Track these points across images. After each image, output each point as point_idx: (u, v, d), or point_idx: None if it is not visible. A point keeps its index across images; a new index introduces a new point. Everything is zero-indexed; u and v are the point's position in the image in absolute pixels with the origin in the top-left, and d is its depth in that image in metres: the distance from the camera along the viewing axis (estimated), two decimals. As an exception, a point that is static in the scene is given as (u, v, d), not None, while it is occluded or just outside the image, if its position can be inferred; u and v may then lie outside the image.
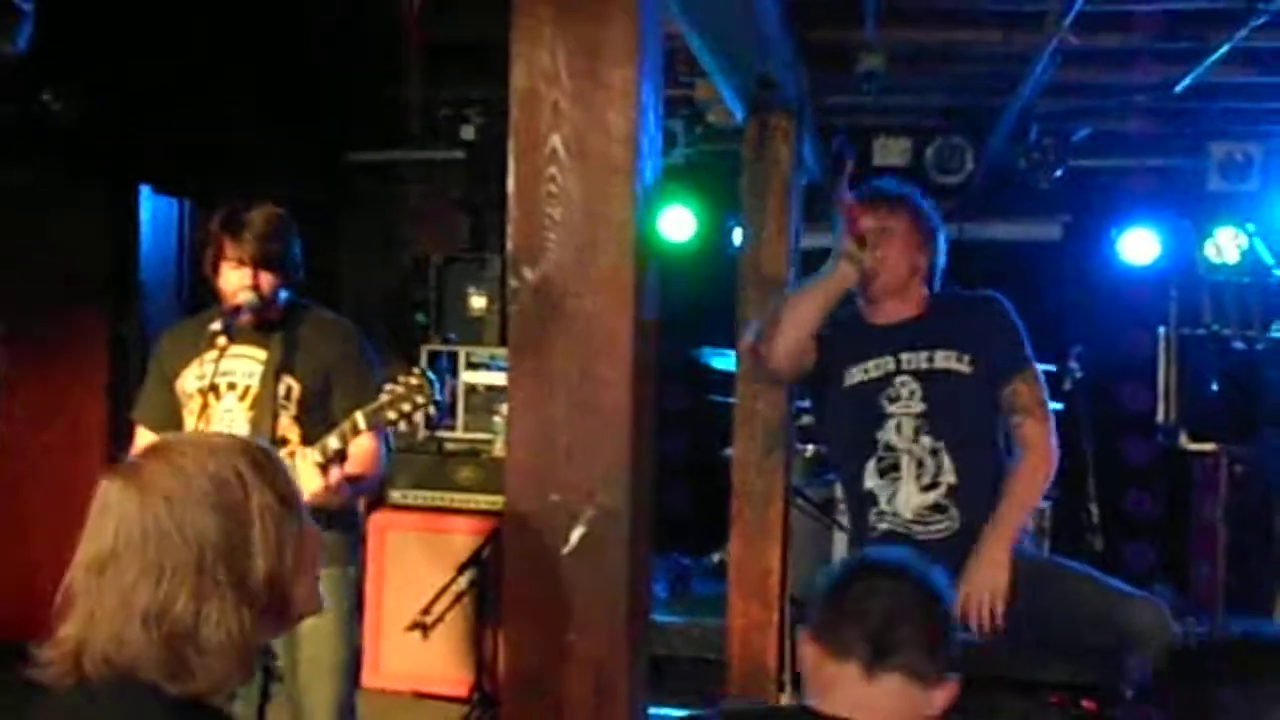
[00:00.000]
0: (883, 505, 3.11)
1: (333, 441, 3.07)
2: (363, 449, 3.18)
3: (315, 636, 3.20)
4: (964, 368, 3.10)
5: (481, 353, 5.78)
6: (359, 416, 3.07)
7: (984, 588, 2.95)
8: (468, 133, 6.31)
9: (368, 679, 5.40)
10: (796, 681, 5.06)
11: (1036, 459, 3.06)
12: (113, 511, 1.60)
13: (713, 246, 6.68)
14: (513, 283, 1.96)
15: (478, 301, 6.18)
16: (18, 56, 4.64)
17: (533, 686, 2.00)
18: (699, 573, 6.39)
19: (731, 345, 4.86)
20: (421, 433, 5.57)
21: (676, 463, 6.82)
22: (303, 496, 1.72)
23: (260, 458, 1.68)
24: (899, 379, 3.12)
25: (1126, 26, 4.23)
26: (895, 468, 3.10)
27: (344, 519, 3.31)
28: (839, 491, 5.94)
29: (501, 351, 5.78)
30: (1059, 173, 5.93)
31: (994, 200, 6.38)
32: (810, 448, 6.09)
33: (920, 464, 3.07)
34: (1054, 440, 3.08)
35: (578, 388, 1.95)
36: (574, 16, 1.90)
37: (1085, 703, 5.31)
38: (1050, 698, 5.29)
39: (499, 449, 5.44)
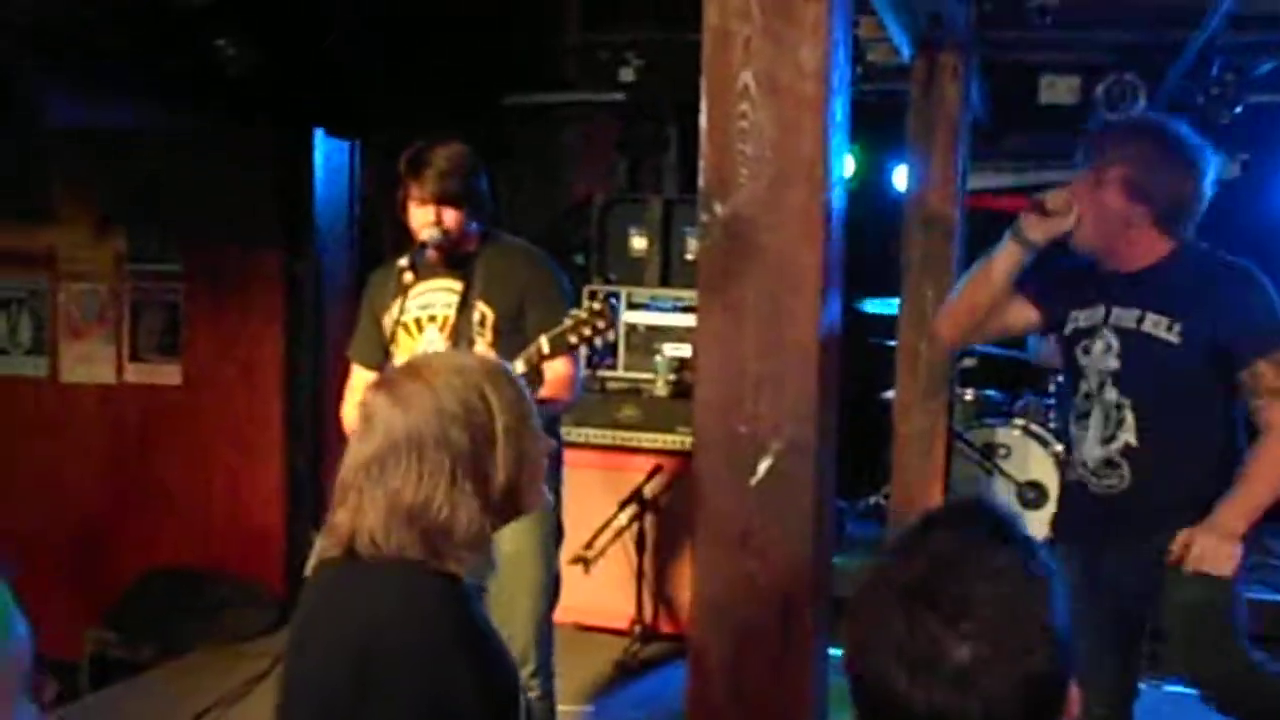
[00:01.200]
0: (1075, 452, 3.10)
1: (519, 365, 3.15)
2: (556, 373, 3.26)
3: (516, 561, 3.30)
4: (1171, 338, 2.92)
5: (642, 293, 5.83)
6: (543, 340, 3.15)
7: (1206, 547, 2.88)
8: (626, 75, 6.32)
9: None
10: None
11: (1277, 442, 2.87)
12: (380, 421, 1.86)
13: (872, 189, 6.61)
14: (704, 217, 2.00)
15: (639, 242, 6.21)
16: (195, 7, 4.82)
17: (720, 614, 2.05)
18: (854, 515, 6.39)
19: (891, 288, 4.82)
20: (584, 371, 5.66)
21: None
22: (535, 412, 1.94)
23: (503, 379, 1.94)
24: (1104, 331, 3.03)
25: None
26: (1087, 415, 3.05)
27: None
28: (999, 436, 5.89)
29: (663, 292, 5.83)
30: (1238, 109, 5.71)
31: (1167, 139, 6.17)
32: (970, 392, 6.02)
33: (1106, 416, 3.02)
34: None
35: (767, 321, 1.98)
36: (767, -47, 1.91)
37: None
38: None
39: (660, 388, 5.51)
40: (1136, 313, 2.96)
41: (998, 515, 1.40)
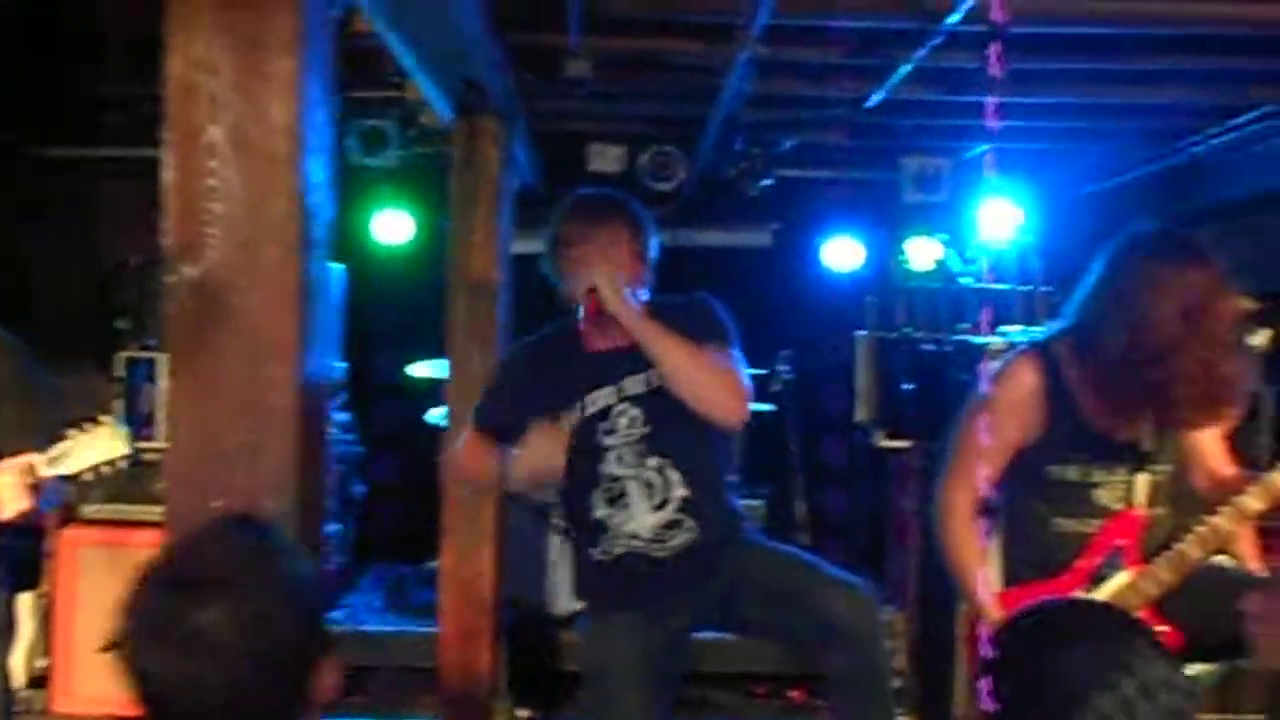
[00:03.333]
0: (615, 531, 3.08)
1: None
2: None
3: None
4: None
5: (183, 359, 5.51)
6: (38, 461, 2.85)
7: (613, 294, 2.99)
8: (171, 130, 6.03)
9: (61, 704, 5.12)
10: (511, 685, 5.06)
11: (724, 371, 3.05)
12: None
13: (430, 251, 6.59)
14: (170, 279, 1.89)
15: (179, 306, 5.89)
16: None
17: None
18: (417, 580, 6.30)
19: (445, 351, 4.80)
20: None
21: (394, 468, 6.74)
22: None
23: None
24: (618, 408, 3.08)
25: (822, 41, 4.36)
26: (623, 494, 3.08)
27: None
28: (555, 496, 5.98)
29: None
30: (767, 181, 6.13)
31: (706, 208, 6.56)
32: (527, 451, 6.08)
33: (649, 485, 3.06)
34: (742, 385, 3.07)
35: (243, 388, 1.89)
36: (233, 5, 1.84)
37: (792, 693, 5.50)
38: (756, 689, 5.43)
39: (202, 459, 5.23)
40: (644, 375, 3.05)
41: (248, 516, 1.65)
